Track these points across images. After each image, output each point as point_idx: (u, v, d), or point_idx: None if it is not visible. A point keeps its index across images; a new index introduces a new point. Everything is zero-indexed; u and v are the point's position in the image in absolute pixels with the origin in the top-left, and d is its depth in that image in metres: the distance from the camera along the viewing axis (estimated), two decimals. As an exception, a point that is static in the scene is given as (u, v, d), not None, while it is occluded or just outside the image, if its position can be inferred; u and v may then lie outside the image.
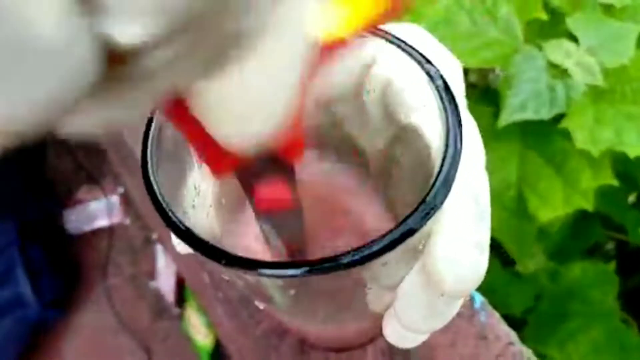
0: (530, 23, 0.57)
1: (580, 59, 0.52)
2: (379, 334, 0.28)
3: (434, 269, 0.18)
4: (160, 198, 0.16)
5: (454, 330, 0.30)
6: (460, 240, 0.18)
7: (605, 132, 0.51)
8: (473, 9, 0.59)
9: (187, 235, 0.15)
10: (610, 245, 0.77)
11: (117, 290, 0.75)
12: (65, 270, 0.74)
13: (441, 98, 0.16)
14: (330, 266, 0.14)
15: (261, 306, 0.25)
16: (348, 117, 0.23)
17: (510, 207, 0.59)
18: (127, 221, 0.81)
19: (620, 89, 0.53)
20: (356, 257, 0.14)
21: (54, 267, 0.71)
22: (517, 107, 0.52)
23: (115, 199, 0.82)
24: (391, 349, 0.30)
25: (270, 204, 0.17)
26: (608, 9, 0.58)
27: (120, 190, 0.83)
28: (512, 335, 0.30)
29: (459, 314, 0.30)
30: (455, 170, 0.15)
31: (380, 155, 0.23)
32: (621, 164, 0.58)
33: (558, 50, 0.52)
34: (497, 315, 0.30)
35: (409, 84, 0.20)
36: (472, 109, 0.21)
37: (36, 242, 0.70)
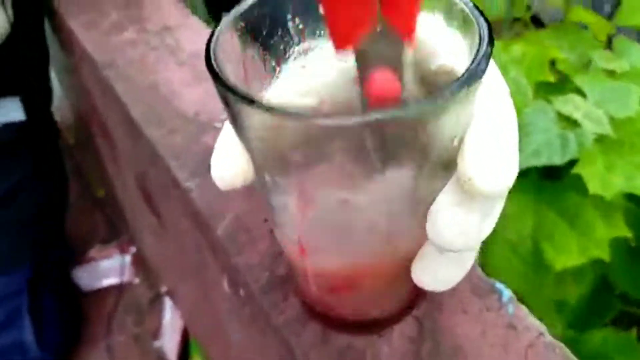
0: (539, 84, 0.61)
1: (588, 110, 0.54)
2: (405, 302, 0.28)
3: (465, 167, 0.19)
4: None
5: (482, 321, 0.29)
6: (490, 142, 0.19)
7: (616, 178, 0.53)
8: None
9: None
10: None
11: (119, 348, 0.73)
12: (70, 324, 0.72)
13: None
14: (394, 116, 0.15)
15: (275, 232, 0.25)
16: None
17: (527, 259, 0.58)
18: (137, 280, 0.80)
19: (628, 141, 0.55)
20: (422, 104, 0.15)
21: (60, 319, 0.70)
22: (531, 155, 0.54)
23: (127, 258, 0.82)
24: (419, 334, 0.29)
25: (381, 92, 0.18)
26: (611, 74, 0.62)
27: (133, 249, 0.83)
28: (542, 327, 0.29)
29: (487, 307, 0.30)
30: (492, 47, 0.16)
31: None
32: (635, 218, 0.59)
33: (567, 104, 0.55)
34: (525, 308, 0.30)
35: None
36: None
37: (46, 293, 0.69)
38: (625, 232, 0.56)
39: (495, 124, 0.20)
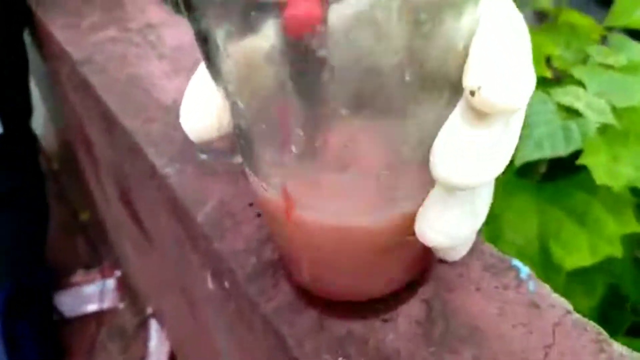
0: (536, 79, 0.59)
1: (589, 100, 0.52)
2: (409, 276, 0.24)
3: (472, 75, 0.16)
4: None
5: (500, 300, 0.25)
6: (500, 47, 0.16)
7: (624, 168, 0.50)
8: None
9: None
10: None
11: (103, 377, 0.67)
12: (50, 352, 0.67)
13: None
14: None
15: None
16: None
17: (535, 260, 0.55)
18: (121, 306, 0.76)
19: (633, 131, 0.53)
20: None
21: (38, 347, 0.65)
22: (534, 147, 0.51)
23: (111, 282, 0.77)
24: (428, 316, 0.25)
25: (300, 20, 0.15)
26: (608, 69, 0.60)
27: (117, 273, 0.79)
28: (568, 304, 0.25)
29: (504, 285, 0.26)
30: None
31: None
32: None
33: (567, 95, 0.53)
34: (547, 286, 0.26)
35: None
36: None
37: (23, 318, 0.64)
38: (637, 228, 0.53)
39: (505, 30, 0.17)
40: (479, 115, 0.17)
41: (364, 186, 0.19)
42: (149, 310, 0.70)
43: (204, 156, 0.35)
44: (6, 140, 0.62)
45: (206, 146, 0.22)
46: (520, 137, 0.56)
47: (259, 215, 0.31)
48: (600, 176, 0.49)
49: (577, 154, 0.56)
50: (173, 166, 0.35)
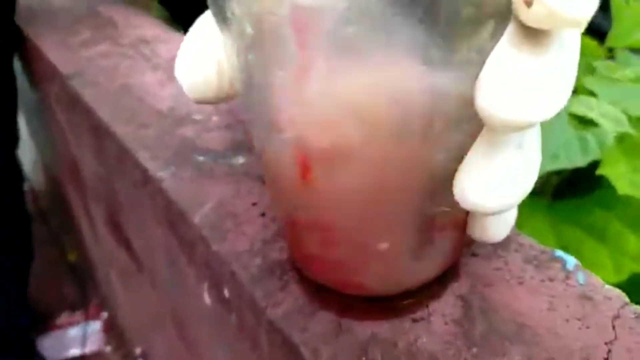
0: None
1: (604, 110, 0.50)
2: (442, 262, 0.20)
3: None
4: None
5: (548, 294, 0.22)
6: None
7: (648, 179, 0.47)
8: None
9: None
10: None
11: None
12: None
13: None
14: None
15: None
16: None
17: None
18: (108, 349, 0.70)
19: (652, 142, 0.50)
20: None
21: None
22: (550, 159, 0.48)
23: (97, 324, 0.72)
24: (466, 314, 0.21)
25: None
26: (617, 81, 0.58)
27: (104, 315, 0.74)
28: (624, 295, 0.22)
29: (549, 278, 0.23)
30: None
31: None
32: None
33: (580, 104, 0.51)
34: (598, 277, 0.23)
35: None
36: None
37: None
38: (661, 244, 0.50)
39: None
40: (533, 35, 0.14)
41: (399, 139, 0.16)
42: (138, 351, 0.65)
43: (201, 158, 0.32)
44: None
45: (206, 101, 0.19)
46: None
47: (263, 214, 0.28)
48: (622, 186, 0.46)
49: (588, 170, 0.54)
50: (168, 169, 0.32)
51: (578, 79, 0.57)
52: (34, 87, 0.65)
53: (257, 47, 0.15)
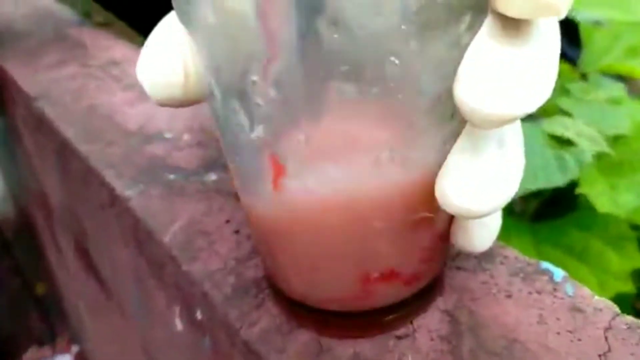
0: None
1: (580, 129, 0.50)
2: (428, 268, 0.19)
3: None
4: None
5: (537, 307, 0.21)
6: None
7: (625, 196, 0.47)
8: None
9: None
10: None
11: None
12: None
13: None
14: None
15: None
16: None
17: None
18: (78, 385, 0.67)
19: (627, 160, 0.50)
20: None
21: None
22: (529, 178, 0.48)
23: (67, 358, 0.69)
24: (453, 330, 0.20)
25: None
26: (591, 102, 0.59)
27: (75, 349, 0.70)
28: (614, 306, 0.21)
29: (537, 290, 0.22)
30: None
31: None
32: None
33: (556, 125, 0.51)
34: (586, 288, 0.22)
35: None
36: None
37: None
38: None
39: None
40: (512, 26, 0.14)
41: (369, 143, 0.15)
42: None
43: (172, 176, 0.31)
44: None
45: (169, 103, 0.18)
46: None
47: (237, 231, 0.26)
48: (602, 205, 0.46)
49: (568, 191, 0.54)
50: (136, 187, 0.30)
51: (552, 100, 0.57)
52: (1, 112, 0.63)
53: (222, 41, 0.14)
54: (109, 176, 0.31)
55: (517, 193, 0.50)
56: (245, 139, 0.15)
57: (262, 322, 0.21)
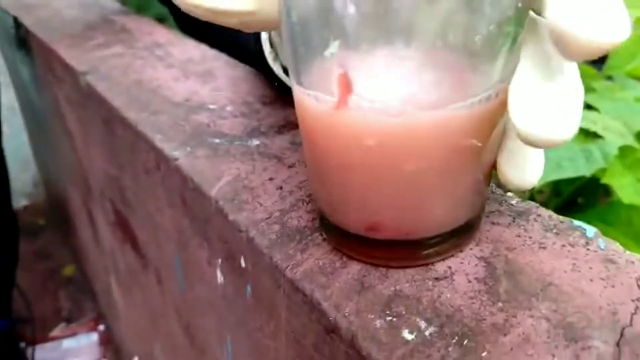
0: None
1: (606, 123, 0.51)
2: (469, 211, 0.20)
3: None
4: None
5: (571, 257, 0.22)
6: None
7: (653, 189, 0.48)
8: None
9: None
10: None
11: None
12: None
13: None
14: None
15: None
16: None
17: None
18: (104, 361, 0.69)
19: (654, 155, 0.51)
20: None
21: None
22: (555, 168, 0.49)
23: (94, 336, 0.71)
24: (490, 274, 0.21)
25: None
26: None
27: (101, 327, 0.72)
28: (649, 260, 0.22)
29: (571, 244, 0.23)
30: None
31: None
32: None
33: (584, 119, 0.52)
34: (618, 244, 0.23)
35: None
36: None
37: None
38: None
39: None
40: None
41: (440, 64, 0.16)
42: (136, 358, 0.63)
43: (216, 140, 0.33)
44: None
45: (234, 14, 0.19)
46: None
47: (280, 187, 0.28)
48: (627, 195, 0.47)
49: (590, 187, 0.54)
50: (183, 149, 0.32)
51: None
52: (42, 95, 0.66)
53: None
54: (157, 140, 0.33)
55: (542, 181, 0.51)
56: (318, 56, 0.17)
57: (306, 263, 0.23)
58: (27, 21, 0.63)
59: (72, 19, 0.61)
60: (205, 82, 0.41)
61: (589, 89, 0.62)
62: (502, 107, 0.18)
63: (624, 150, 0.51)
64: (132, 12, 0.61)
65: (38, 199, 0.97)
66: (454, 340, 0.19)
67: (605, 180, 0.48)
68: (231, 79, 0.41)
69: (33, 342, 0.69)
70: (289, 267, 0.23)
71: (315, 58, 0.17)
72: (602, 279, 0.21)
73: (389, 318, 0.20)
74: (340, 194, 0.20)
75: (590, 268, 0.21)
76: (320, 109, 0.18)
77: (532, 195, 0.65)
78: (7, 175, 0.69)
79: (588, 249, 0.22)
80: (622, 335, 0.18)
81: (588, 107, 0.54)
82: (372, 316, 0.20)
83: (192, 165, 0.30)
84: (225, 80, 0.41)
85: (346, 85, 0.16)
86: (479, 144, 0.18)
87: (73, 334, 0.71)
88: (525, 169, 0.20)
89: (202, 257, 0.32)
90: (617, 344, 0.18)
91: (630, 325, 0.19)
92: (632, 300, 0.20)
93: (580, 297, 0.20)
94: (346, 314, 0.20)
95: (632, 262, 0.22)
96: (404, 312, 0.20)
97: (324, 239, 0.23)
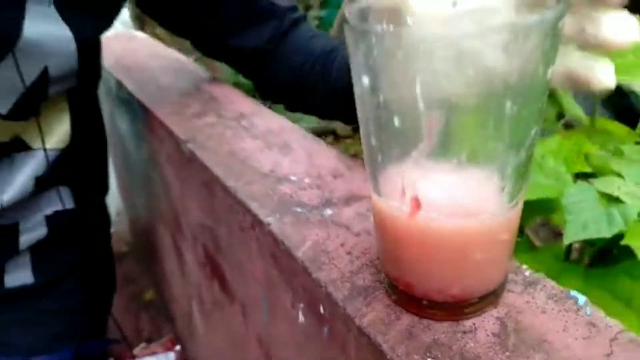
0: (576, 174, 0.65)
1: (629, 189, 0.58)
2: (494, 283, 0.29)
3: None
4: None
5: (563, 320, 0.30)
6: None
7: (668, 250, 0.54)
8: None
9: None
10: None
11: None
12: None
13: None
14: None
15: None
16: None
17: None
18: (180, 378, 0.79)
19: (673, 219, 0.57)
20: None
21: None
22: (580, 228, 0.56)
23: (171, 355, 0.81)
24: (502, 330, 0.30)
25: None
26: (645, 165, 0.66)
27: (178, 347, 0.83)
28: (622, 325, 0.30)
29: (565, 309, 0.31)
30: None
31: None
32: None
33: (608, 184, 0.59)
34: (602, 311, 0.31)
35: None
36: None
37: None
38: (684, 312, 0.56)
39: None
40: None
41: (482, 181, 0.25)
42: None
43: (298, 209, 0.42)
44: (78, 216, 0.66)
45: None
46: (568, 221, 0.62)
47: (349, 253, 0.37)
48: (644, 256, 0.53)
49: (617, 243, 0.61)
50: (274, 216, 0.42)
51: (606, 161, 0.65)
52: (140, 148, 0.78)
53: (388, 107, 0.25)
54: (253, 207, 0.43)
55: (570, 240, 0.60)
56: (394, 174, 0.26)
57: (370, 315, 0.32)
58: (130, 85, 0.75)
59: (168, 86, 0.73)
60: (285, 154, 0.51)
61: (618, 152, 0.69)
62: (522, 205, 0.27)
63: (643, 215, 0.57)
64: (217, 80, 0.73)
65: (120, 227, 1.10)
66: (473, 377, 0.27)
67: (625, 241, 0.55)
68: (306, 151, 0.51)
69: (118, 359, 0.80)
70: (357, 317, 0.32)
71: (391, 175, 0.26)
72: (584, 338, 0.29)
73: (429, 359, 0.29)
74: (412, 273, 0.30)
75: (577, 329, 0.29)
76: (395, 214, 0.27)
77: (570, 245, 0.71)
78: (109, 220, 0.79)
79: (577, 314, 0.30)
80: (591, 380, 0.26)
81: (614, 172, 0.61)
82: (417, 357, 0.29)
83: (281, 230, 0.40)
84: (301, 152, 0.51)
85: (416, 205, 0.26)
86: (511, 237, 0.27)
87: (152, 353, 0.81)
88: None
89: (286, 300, 0.42)
90: (588, 386, 0.26)
91: (598, 373, 0.27)
92: (603, 355, 0.28)
93: (565, 351, 0.28)
94: (399, 354, 0.29)
95: (610, 326, 0.30)
96: (439, 356, 0.29)
97: (391, 300, 0.32)
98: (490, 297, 0.30)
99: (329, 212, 0.42)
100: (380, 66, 0.23)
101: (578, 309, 0.31)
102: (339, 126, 3.19)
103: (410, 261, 0.29)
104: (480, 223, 0.26)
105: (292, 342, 0.43)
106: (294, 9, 0.63)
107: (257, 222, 0.43)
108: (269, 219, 0.42)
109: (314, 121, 3.19)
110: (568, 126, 0.81)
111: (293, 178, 0.47)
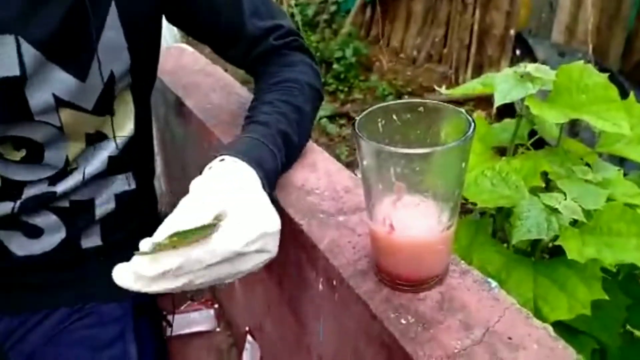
0: (533, 188, 0.85)
1: (566, 203, 0.77)
2: (442, 268, 0.49)
3: None
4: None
5: (479, 295, 0.50)
6: None
7: (589, 250, 0.74)
8: (492, 177, 0.87)
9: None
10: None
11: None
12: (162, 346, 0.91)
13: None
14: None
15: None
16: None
17: (527, 312, 0.78)
18: (218, 329, 1.01)
19: (598, 227, 0.77)
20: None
21: (155, 336, 0.89)
22: (526, 231, 0.76)
23: (211, 311, 1.03)
24: (442, 298, 0.50)
25: None
26: (587, 183, 0.85)
27: (216, 306, 1.05)
28: (514, 299, 0.50)
29: (481, 289, 0.51)
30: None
31: None
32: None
33: (551, 199, 0.78)
34: (505, 292, 0.51)
35: None
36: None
37: (144, 317, 0.88)
38: (602, 295, 0.76)
39: None
40: None
41: (432, 209, 0.45)
42: (246, 328, 0.95)
43: (321, 215, 0.63)
44: (137, 193, 0.86)
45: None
46: (516, 225, 0.85)
47: (354, 247, 0.57)
48: (572, 254, 0.73)
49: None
50: (305, 220, 0.62)
51: (555, 181, 0.85)
52: (192, 150, 0.98)
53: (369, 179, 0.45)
54: (290, 212, 0.64)
55: (516, 240, 0.86)
56: (377, 204, 0.47)
57: (364, 287, 0.52)
58: (189, 102, 0.95)
59: (219, 104, 0.93)
60: (312, 171, 0.71)
61: (568, 173, 0.88)
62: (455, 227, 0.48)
63: (577, 222, 0.77)
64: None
65: (163, 207, 1.31)
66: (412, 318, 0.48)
67: (559, 242, 0.75)
68: (326, 171, 0.71)
69: (172, 312, 1.02)
70: (356, 288, 0.52)
71: (377, 210, 0.47)
72: (490, 307, 0.49)
73: (396, 313, 0.49)
74: (390, 265, 0.50)
75: (486, 301, 0.50)
76: (380, 232, 0.48)
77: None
78: (156, 200, 0.99)
79: (489, 292, 0.51)
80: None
81: (559, 190, 0.81)
82: (391, 312, 0.49)
83: (310, 229, 0.61)
84: (323, 171, 0.71)
85: (392, 227, 0.46)
86: (448, 246, 0.48)
87: (196, 309, 1.03)
88: None
89: (311, 275, 0.62)
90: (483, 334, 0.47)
91: (491, 325, 0.47)
92: (498, 317, 0.48)
93: (477, 312, 0.48)
94: (380, 311, 0.50)
95: (506, 301, 0.50)
96: (403, 312, 0.49)
97: (377, 279, 0.53)
98: (436, 280, 0.51)
99: (341, 218, 0.62)
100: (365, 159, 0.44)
101: (490, 289, 0.51)
102: (351, 109, 3.40)
103: (388, 259, 0.50)
104: (429, 238, 0.47)
105: (313, 303, 0.64)
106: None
107: (294, 224, 0.63)
108: (301, 222, 0.62)
109: (329, 109, 3.38)
110: (539, 145, 0.99)
111: (317, 191, 0.67)
